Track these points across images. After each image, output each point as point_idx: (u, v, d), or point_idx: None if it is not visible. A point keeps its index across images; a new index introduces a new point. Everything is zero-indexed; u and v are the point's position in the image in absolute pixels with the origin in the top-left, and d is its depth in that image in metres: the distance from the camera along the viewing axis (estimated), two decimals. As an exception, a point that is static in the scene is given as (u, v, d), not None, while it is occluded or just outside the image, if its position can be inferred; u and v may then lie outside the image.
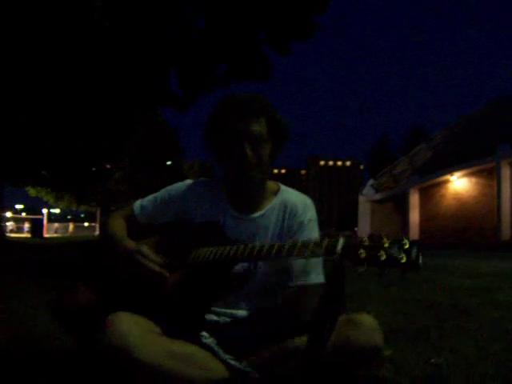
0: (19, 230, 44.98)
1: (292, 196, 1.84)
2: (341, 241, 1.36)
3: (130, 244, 1.73)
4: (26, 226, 44.22)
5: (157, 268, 1.63)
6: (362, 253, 1.31)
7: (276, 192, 1.85)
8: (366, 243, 1.32)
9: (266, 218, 1.78)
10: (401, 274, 1.26)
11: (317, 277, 1.73)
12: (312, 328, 1.41)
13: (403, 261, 1.25)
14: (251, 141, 1.66)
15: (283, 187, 1.87)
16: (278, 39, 10.55)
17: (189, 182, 1.89)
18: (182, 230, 1.78)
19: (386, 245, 1.28)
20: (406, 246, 1.27)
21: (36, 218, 41.05)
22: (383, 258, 1.27)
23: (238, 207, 1.80)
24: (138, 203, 1.91)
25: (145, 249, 1.67)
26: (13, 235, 37.81)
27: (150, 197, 1.91)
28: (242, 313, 1.75)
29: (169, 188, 1.89)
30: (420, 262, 1.26)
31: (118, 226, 1.85)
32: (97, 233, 50.64)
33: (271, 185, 1.85)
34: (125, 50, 9.25)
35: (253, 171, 1.70)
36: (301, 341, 1.49)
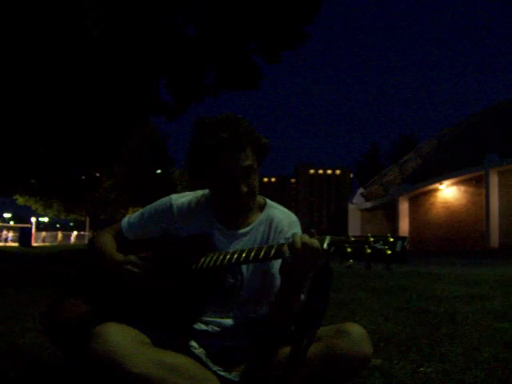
0: (2, 239, 43.76)
1: (278, 213, 1.83)
2: (327, 238, 1.40)
3: (119, 257, 1.73)
4: (10, 234, 43.33)
5: (145, 276, 1.63)
6: (348, 248, 1.35)
7: (262, 207, 1.85)
8: (352, 239, 1.37)
9: (252, 234, 1.79)
10: (386, 266, 1.30)
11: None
12: (296, 331, 1.42)
13: (388, 253, 1.29)
14: (244, 176, 1.66)
15: (269, 202, 1.87)
16: (268, 48, 10.60)
17: (174, 196, 1.88)
18: (172, 244, 1.78)
19: (371, 239, 1.32)
20: (391, 240, 1.30)
21: (24, 227, 40.62)
22: (368, 251, 1.31)
23: (225, 222, 1.80)
24: (125, 220, 1.91)
25: (133, 258, 1.67)
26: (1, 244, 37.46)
27: (137, 213, 1.91)
28: (230, 322, 1.74)
29: (155, 204, 1.89)
30: (406, 254, 1.30)
31: (107, 241, 1.85)
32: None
33: (258, 198, 1.84)
34: (115, 58, 9.24)
35: (247, 201, 1.71)
36: (288, 351, 1.49)
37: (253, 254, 1.54)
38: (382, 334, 2.98)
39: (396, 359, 2.37)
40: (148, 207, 1.89)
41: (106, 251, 1.78)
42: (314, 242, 1.42)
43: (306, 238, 1.44)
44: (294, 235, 1.47)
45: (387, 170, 32.39)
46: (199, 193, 1.88)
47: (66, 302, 1.75)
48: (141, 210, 1.90)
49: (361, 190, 31.80)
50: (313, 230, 1.47)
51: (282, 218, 1.82)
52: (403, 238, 1.32)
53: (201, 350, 1.62)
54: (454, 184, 22.06)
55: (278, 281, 1.66)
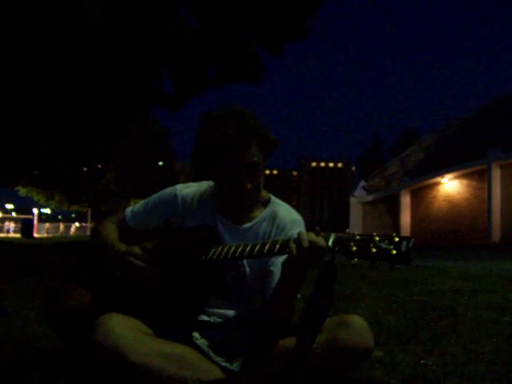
0: (5, 230, 43.60)
1: (282, 210, 1.83)
2: (332, 236, 1.41)
3: (122, 247, 1.73)
4: (13, 225, 43.30)
5: (148, 267, 1.63)
6: (353, 246, 1.35)
7: (266, 202, 1.84)
8: (357, 238, 1.37)
9: (255, 230, 1.79)
10: (391, 266, 1.30)
11: None
12: (301, 327, 1.43)
13: (393, 253, 1.29)
14: (249, 172, 1.66)
15: (274, 198, 1.86)
16: (271, 40, 10.55)
17: (179, 187, 1.88)
18: (175, 235, 1.78)
19: (377, 239, 1.32)
20: (396, 240, 1.30)
21: (26, 218, 40.70)
22: (374, 250, 1.31)
23: (228, 216, 1.80)
24: (129, 209, 1.91)
25: (136, 249, 1.67)
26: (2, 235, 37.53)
27: (141, 202, 1.91)
28: (232, 313, 1.75)
29: (159, 193, 1.89)
30: (410, 255, 1.30)
31: (110, 231, 1.85)
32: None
33: (262, 194, 1.83)
34: (118, 50, 9.23)
35: (251, 196, 1.72)
36: (290, 342, 1.50)
37: (257, 248, 1.54)
38: (383, 326, 2.98)
39: (397, 351, 2.37)
40: (152, 197, 1.89)
41: (109, 241, 1.78)
42: (320, 240, 1.43)
43: (313, 236, 1.44)
44: (300, 233, 1.47)
45: (389, 163, 32.32)
46: (204, 185, 1.88)
47: (70, 291, 1.75)
48: (145, 200, 1.90)
49: (362, 183, 31.77)
50: (318, 228, 1.48)
51: (286, 216, 1.81)
52: (408, 239, 1.31)
53: (203, 340, 1.63)
54: (456, 178, 22.02)
55: (275, 278, 1.66)
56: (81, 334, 1.53)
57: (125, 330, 1.44)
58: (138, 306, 1.60)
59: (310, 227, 1.80)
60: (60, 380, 1.81)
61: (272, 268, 1.70)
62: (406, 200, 25.06)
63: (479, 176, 20.66)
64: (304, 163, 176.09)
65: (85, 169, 26.46)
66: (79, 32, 8.15)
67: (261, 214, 1.81)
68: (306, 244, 1.43)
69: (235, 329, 1.72)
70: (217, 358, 1.57)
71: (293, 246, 1.45)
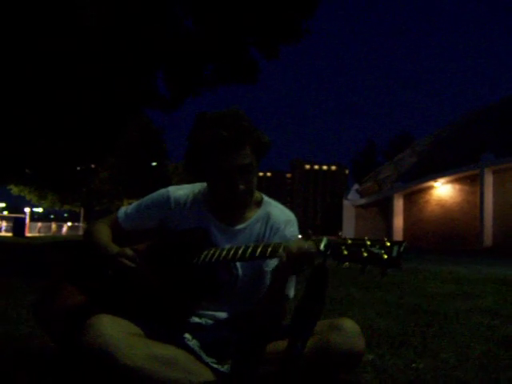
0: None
1: (275, 210, 1.83)
2: (324, 239, 1.41)
3: (114, 248, 1.73)
4: (4, 224, 43.08)
5: (140, 269, 1.63)
6: (344, 250, 1.35)
7: (259, 203, 1.84)
8: (349, 242, 1.37)
9: (248, 231, 1.78)
10: (382, 271, 1.30)
11: (290, 290, 1.75)
12: (292, 330, 1.42)
13: (384, 257, 1.29)
14: (241, 173, 1.65)
15: (266, 199, 1.86)
16: (266, 42, 10.56)
17: (172, 188, 1.87)
18: (168, 237, 1.78)
19: (368, 243, 1.32)
20: (388, 245, 1.30)
21: (18, 217, 40.45)
22: (365, 255, 1.31)
23: (221, 217, 1.79)
24: (122, 210, 1.90)
25: (128, 251, 1.66)
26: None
27: (134, 204, 1.90)
28: (224, 315, 1.75)
29: (152, 195, 1.88)
30: (401, 259, 1.30)
31: (102, 232, 1.84)
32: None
33: (255, 194, 1.83)
34: (112, 50, 9.21)
35: (244, 198, 1.71)
36: (281, 345, 1.50)
37: (249, 251, 1.54)
38: (374, 329, 2.98)
39: (388, 355, 2.38)
40: (145, 198, 1.88)
41: (101, 242, 1.78)
42: (310, 247, 1.43)
43: (302, 242, 1.45)
44: (288, 241, 1.48)
45: (383, 167, 32.47)
46: (197, 186, 1.87)
47: (61, 291, 1.75)
48: (138, 201, 1.89)
49: (356, 187, 31.89)
50: (310, 232, 1.48)
51: (279, 216, 1.81)
52: (400, 243, 1.31)
53: (194, 341, 1.62)
54: (448, 182, 22.14)
55: (268, 278, 1.66)
56: (71, 335, 1.52)
57: (116, 331, 1.43)
58: (129, 308, 1.60)
59: (302, 230, 1.80)
60: (48, 379, 1.80)
61: (266, 269, 1.70)
62: (398, 203, 25.17)
63: (472, 181, 20.79)
64: (298, 166, 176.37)
65: (78, 168, 26.34)
66: (78, 32, 8.14)
67: (254, 215, 1.80)
68: (294, 251, 1.44)
69: (227, 331, 1.71)
70: (208, 359, 1.57)
71: (282, 252, 1.46)
